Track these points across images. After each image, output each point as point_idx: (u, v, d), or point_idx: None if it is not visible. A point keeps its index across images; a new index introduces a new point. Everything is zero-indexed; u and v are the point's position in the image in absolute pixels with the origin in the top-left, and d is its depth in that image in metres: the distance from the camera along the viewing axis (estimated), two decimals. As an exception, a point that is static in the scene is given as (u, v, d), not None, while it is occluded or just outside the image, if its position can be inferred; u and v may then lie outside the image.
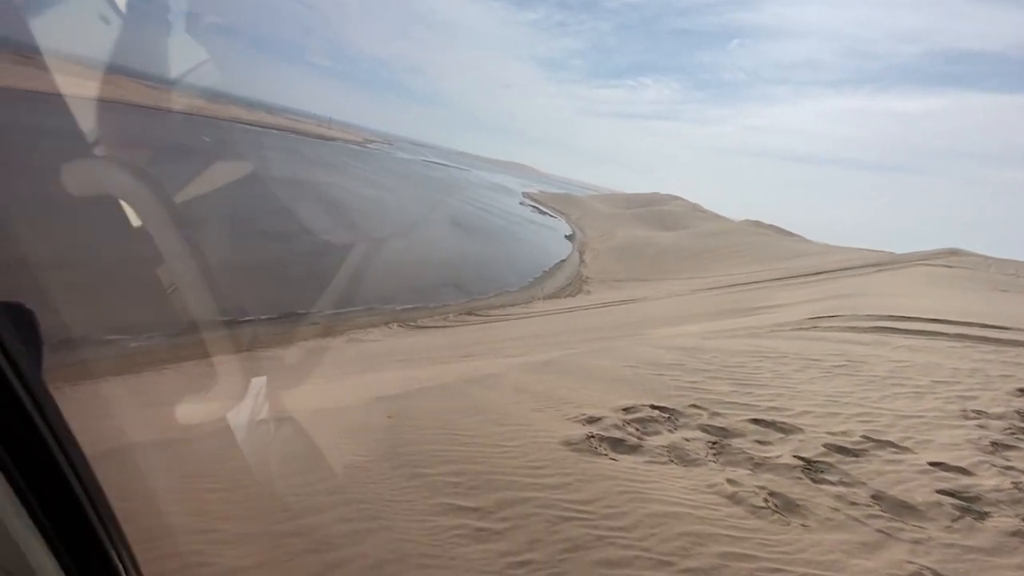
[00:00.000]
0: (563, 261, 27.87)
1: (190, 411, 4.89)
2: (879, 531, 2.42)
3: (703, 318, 10.52)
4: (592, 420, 3.41)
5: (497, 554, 2.09)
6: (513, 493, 2.50)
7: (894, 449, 3.27)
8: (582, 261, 28.58)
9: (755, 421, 3.55)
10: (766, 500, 2.59)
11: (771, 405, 3.85)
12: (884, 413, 3.81)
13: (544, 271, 24.57)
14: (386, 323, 13.83)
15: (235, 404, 4.36)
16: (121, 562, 0.59)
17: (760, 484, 2.74)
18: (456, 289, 17.61)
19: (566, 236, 34.88)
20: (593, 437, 3.13)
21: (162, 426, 4.33)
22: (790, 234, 34.74)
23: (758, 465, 2.97)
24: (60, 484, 0.51)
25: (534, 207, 44.71)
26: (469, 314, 15.71)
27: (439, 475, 2.68)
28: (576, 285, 23.61)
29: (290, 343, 10.77)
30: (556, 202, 46.20)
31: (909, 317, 7.15)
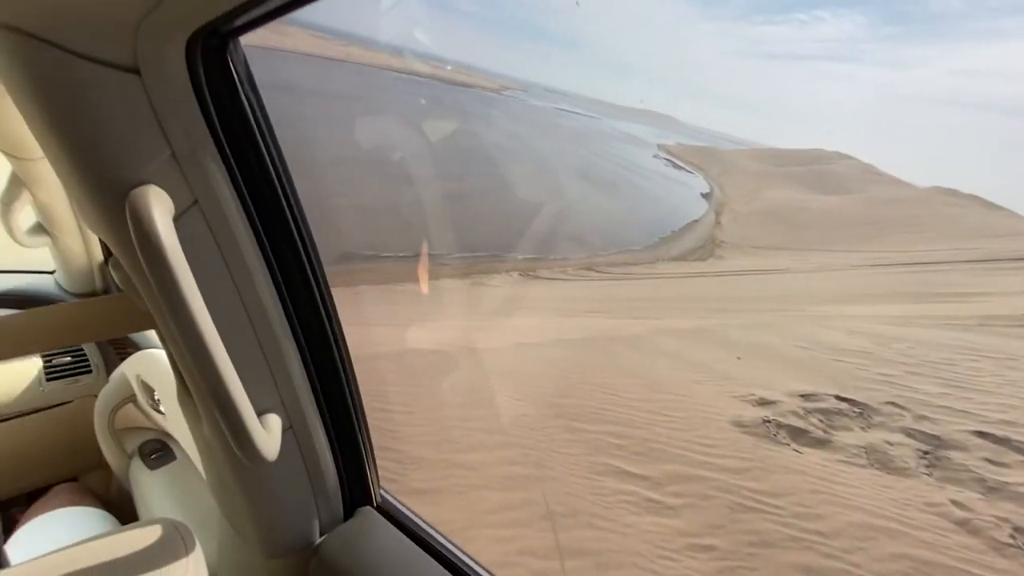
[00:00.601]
0: (695, 222, 25.71)
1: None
2: None
3: (875, 299, 9.00)
4: (765, 403, 3.04)
5: (674, 531, 1.94)
6: (684, 468, 2.31)
7: None
8: (718, 223, 26.13)
9: (981, 434, 2.88)
10: (1013, 536, 2.08)
11: (1002, 418, 3.10)
12: None
13: (672, 231, 22.90)
14: (507, 271, 14.14)
15: (395, 331, 4.70)
16: (365, 446, 0.69)
17: (1000, 515, 2.21)
18: (576, 243, 17.20)
19: (702, 194, 32.07)
20: (770, 422, 2.78)
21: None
22: (998, 208, 28.04)
23: (993, 490, 2.40)
24: (334, 368, 0.61)
25: (668, 161, 41.57)
26: (588, 269, 15.38)
27: (599, 433, 2.58)
28: (708, 249, 21.76)
29: (419, 281, 11.53)
30: (694, 156, 42.33)
31: None
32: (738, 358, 4.77)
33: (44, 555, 0.36)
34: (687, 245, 21.43)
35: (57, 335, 0.58)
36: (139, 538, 0.37)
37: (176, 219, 0.41)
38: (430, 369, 3.58)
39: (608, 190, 26.81)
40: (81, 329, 0.58)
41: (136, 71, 0.36)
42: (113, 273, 0.54)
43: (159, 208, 0.38)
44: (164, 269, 0.38)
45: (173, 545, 0.37)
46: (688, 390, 3.15)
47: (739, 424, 2.73)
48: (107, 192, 0.40)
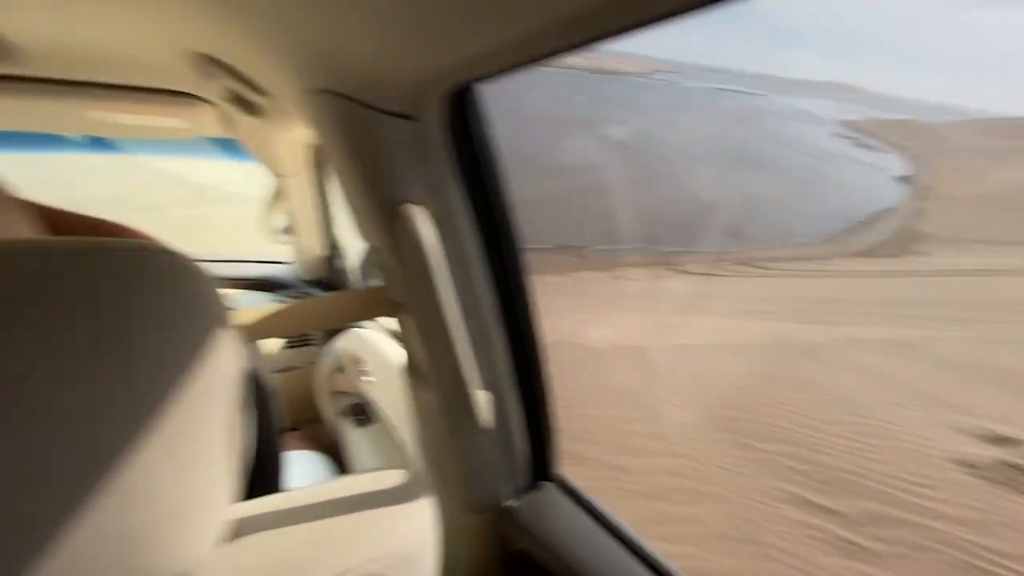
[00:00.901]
0: (887, 210, 21.57)
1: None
2: None
3: None
4: (1001, 440, 2.44)
5: (877, 582, 1.67)
6: (888, 509, 1.97)
7: None
8: (920, 212, 21.57)
9: None
10: None
11: None
12: None
13: (856, 222, 19.52)
14: (651, 264, 13.48)
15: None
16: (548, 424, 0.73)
17: None
18: (732, 235, 15.62)
19: (897, 178, 26.76)
20: (1012, 466, 2.22)
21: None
22: None
23: None
24: (530, 353, 0.67)
25: (854, 139, 35.47)
26: (745, 264, 13.91)
27: (775, 454, 2.33)
28: (902, 243, 18.04)
29: (562, 273, 11.59)
30: (888, 132, 35.27)
31: None
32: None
33: (307, 486, 0.42)
34: (874, 238, 18.05)
35: (326, 318, 0.73)
36: (382, 479, 0.43)
37: (432, 229, 0.52)
38: (581, 364, 3.60)
39: (773, 175, 23.85)
40: (338, 315, 0.71)
41: (411, 118, 0.47)
42: (376, 271, 0.67)
43: (420, 221, 0.50)
44: (425, 269, 0.50)
45: (411, 490, 0.43)
46: (889, 415, 2.67)
47: (963, 463, 2.24)
48: (383, 208, 0.51)
